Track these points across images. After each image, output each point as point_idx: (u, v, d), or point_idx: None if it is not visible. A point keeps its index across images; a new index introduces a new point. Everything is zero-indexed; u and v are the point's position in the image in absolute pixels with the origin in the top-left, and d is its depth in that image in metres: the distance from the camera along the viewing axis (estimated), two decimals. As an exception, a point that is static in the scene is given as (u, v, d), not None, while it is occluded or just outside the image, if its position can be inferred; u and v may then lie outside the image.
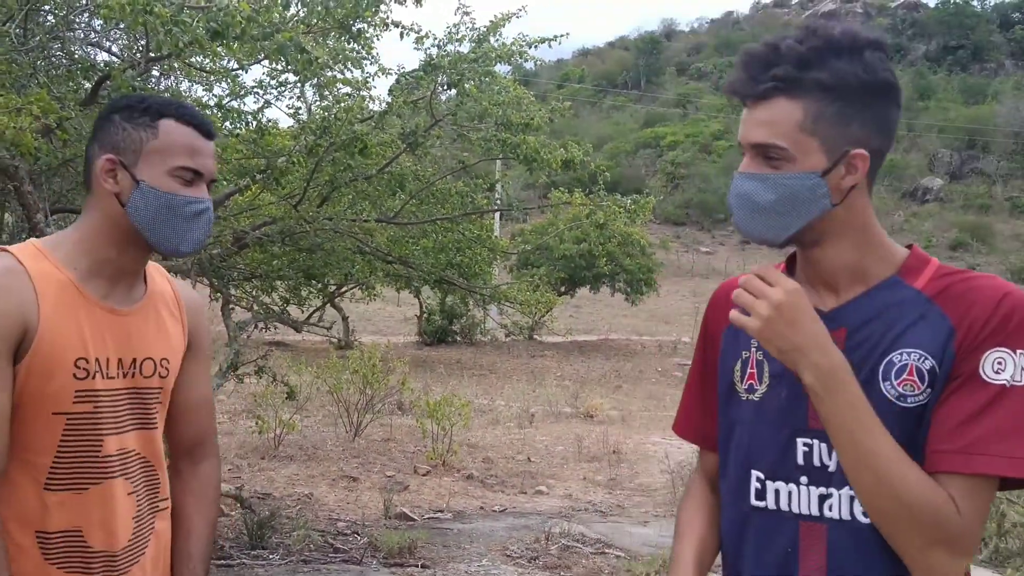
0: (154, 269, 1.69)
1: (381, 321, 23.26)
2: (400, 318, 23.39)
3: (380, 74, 4.53)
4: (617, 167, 59.83)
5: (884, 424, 1.22)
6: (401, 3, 2.88)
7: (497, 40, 4.80)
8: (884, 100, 1.27)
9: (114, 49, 4.52)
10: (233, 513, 5.74)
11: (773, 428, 1.34)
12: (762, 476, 1.35)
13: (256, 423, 7.90)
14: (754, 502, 1.36)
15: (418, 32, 3.42)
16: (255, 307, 5.21)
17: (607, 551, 5.87)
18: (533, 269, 20.31)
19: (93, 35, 4.19)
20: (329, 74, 2.87)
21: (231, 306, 4.95)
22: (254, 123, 3.64)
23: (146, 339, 1.60)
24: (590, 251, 19.15)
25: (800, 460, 1.31)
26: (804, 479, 1.31)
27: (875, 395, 1.25)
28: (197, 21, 2.33)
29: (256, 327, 5.24)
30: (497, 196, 7.03)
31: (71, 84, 3.84)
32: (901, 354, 1.25)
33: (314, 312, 5.83)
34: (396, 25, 3.33)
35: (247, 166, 4.00)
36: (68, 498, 1.50)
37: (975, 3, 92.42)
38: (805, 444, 1.31)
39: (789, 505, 1.32)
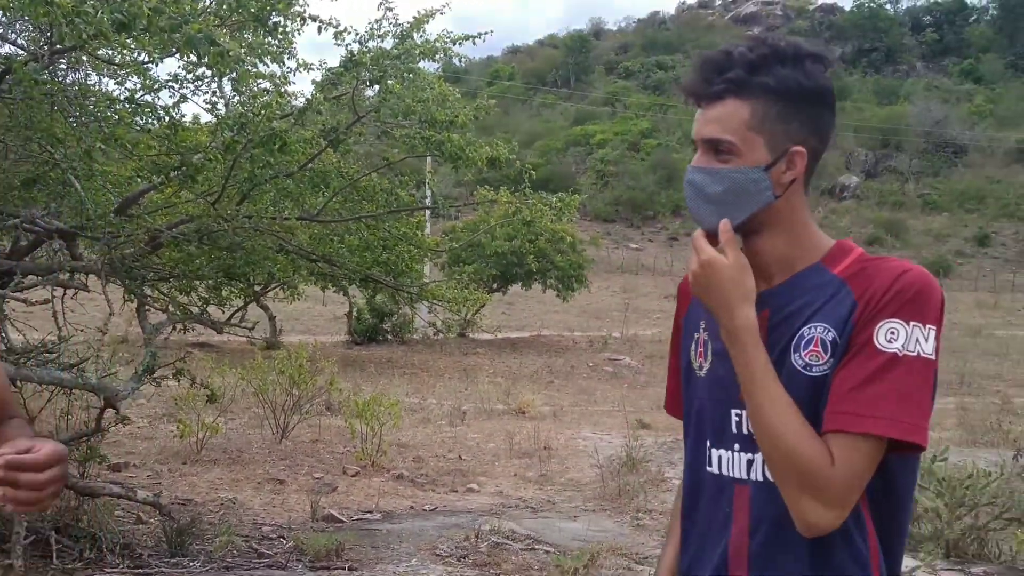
0: None
1: (310, 320, 22.89)
2: (329, 317, 23.06)
3: (302, 69, 4.44)
4: (547, 165, 60.16)
5: (794, 391, 1.35)
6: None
7: (421, 36, 4.75)
8: (820, 105, 1.42)
9: (19, 41, 4.33)
10: (152, 521, 5.56)
11: (715, 401, 1.49)
12: (709, 444, 1.50)
13: (177, 427, 7.68)
14: (707, 468, 1.50)
15: (336, 27, 3.36)
16: (171, 308, 5.05)
17: (537, 547, 5.88)
18: (464, 266, 20.31)
19: (-4, 26, 4.00)
20: (245, 68, 2.78)
21: (147, 307, 4.78)
22: (167, 119, 3.52)
23: None
24: (520, 248, 19.21)
25: (734, 429, 1.45)
26: (737, 446, 1.45)
27: (787, 366, 1.38)
28: (101, 12, 2.23)
29: (174, 329, 5.08)
30: (425, 194, 6.98)
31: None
32: (810, 328, 1.38)
33: (235, 312, 5.68)
34: (314, 19, 3.27)
35: (161, 163, 3.87)
36: None
37: (888, 7, 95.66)
38: (737, 414, 1.45)
39: (728, 470, 1.45)
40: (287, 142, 3.35)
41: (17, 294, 3.98)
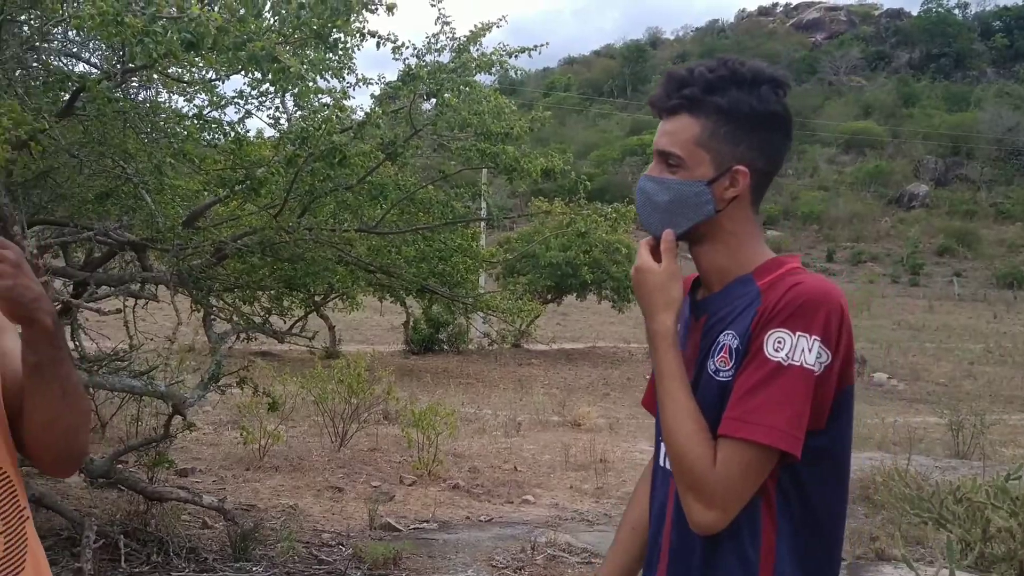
0: None
1: (368, 330, 23.18)
2: (387, 327, 23.32)
3: (361, 84, 4.53)
4: (604, 175, 60.06)
5: (707, 395, 1.45)
6: (373, 11, 2.88)
7: (477, 50, 4.81)
8: (770, 128, 1.49)
9: (93, 60, 4.51)
10: (216, 525, 5.69)
11: None
12: (659, 438, 1.60)
13: (241, 434, 7.86)
14: (658, 462, 1.61)
15: (394, 42, 3.42)
16: (235, 318, 5.18)
17: (594, 561, 5.85)
18: (519, 277, 20.35)
19: (70, 46, 4.18)
20: (306, 84, 2.86)
21: (213, 317, 4.92)
22: (232, 134, 3.63)
23: None
24: (575, 259, 19.16)
25: None
26: None
27: (705, 371, 1.48)
28: (171, 32, 2.32)
29: (238, 338, 5.21)
30: (481, 205, 7.04)
31: (49, 96, 3.81)
32: (724, 335, 1.46)
33: (296, 322, 5.80)
34: (373, 35, 3.34)
35: (226, 177, 3.98)
36: None
37: (957, 12, 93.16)
38: None
39: (667, 463, 1.53)
40: (346, 155, 3.42)
41: (91, 304, 4.13)
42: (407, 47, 4.30)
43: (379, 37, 3.36)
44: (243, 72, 3.17)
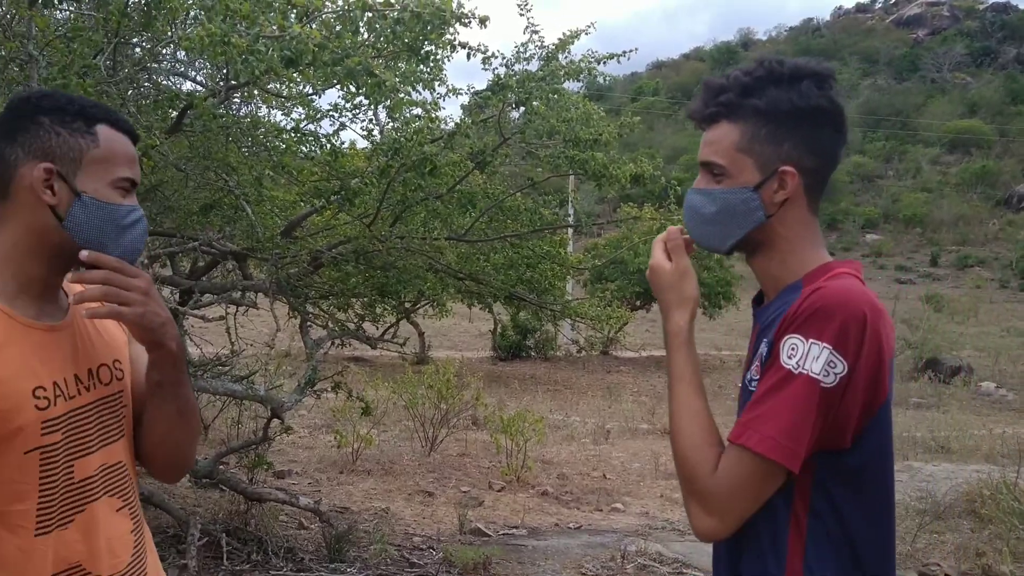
0: None
1: (456, 336, 23.45)
2: (475, 333, 23.54)
3: (451, 95, 4.62)
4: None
5: (743, 405, 1.40)
6: (466, 25, 2.93)
7: (566, 57, 4.83)
8: (815, 124, 1.41)
9: (199, 78, 4.72)
10: (312, 527, 5.85)
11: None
12: None
13: (335, 437, 8.07)
14: None
15: (484, 52, 3.48)
16: (329, 324, 5.33)
17: (685, 571, 5.77)
18: (607, 284, 20.25)
19: (179, 65, 4.39)
20: (400, 97, 2.92)
21: (309, 324, 5.08)
22: (328, 146, 3.74)
23: (92, 346, 1.51)
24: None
25: None
26: None
27: (744, 381, 1.46)
28: (272, 50, 2.41)
29: (332, 344, 5.36)
30: (568, 212, 7.05)
31: (159, 113, 4.01)
32: (763, 344, 1.41)
33: (388, 329, 5.92)
34: (463, 47, 3.39)
35: (322, 188, 4.11)
36: (59, 535, 1.41)
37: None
38: None
39: None
40: (437, 165, 3.48)
41: (195, 311, 4.33)
42: (496, 57, 4.35)
43: (469, 48, 3.42)
44: (339, 86, 3.26)
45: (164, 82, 4.45)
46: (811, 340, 1.28)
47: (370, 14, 2.49)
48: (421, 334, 17.03)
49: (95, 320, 1.51)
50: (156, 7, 3.04)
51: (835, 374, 1.27)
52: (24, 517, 1.37)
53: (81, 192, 1.39)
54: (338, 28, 2.64)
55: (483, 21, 2.67)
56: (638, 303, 21.99)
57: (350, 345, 8.00)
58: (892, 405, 1.38)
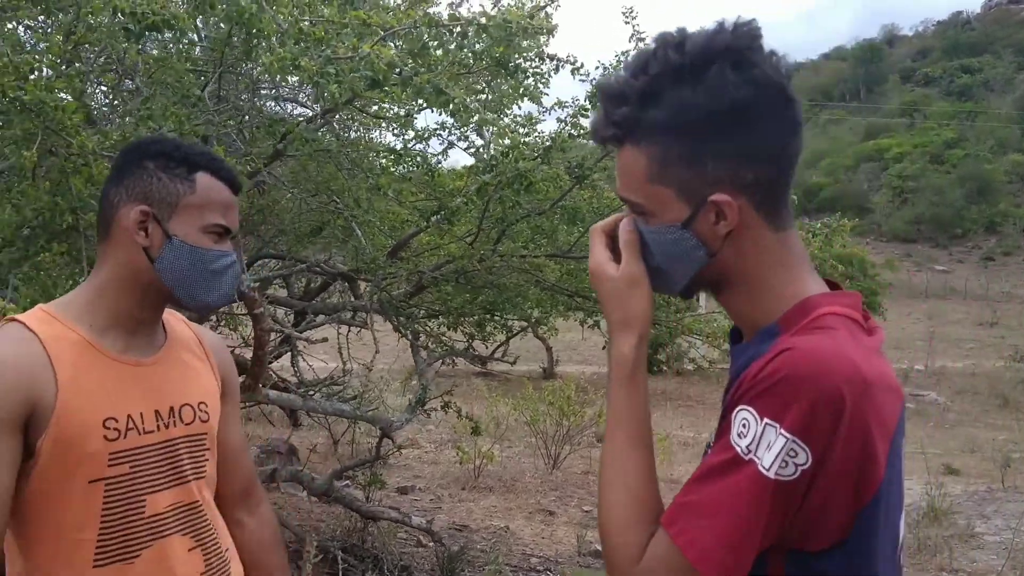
0: (169, 313, 1.62)
1: (586, 350, 23.25)
2: (604, 346, 23.24)
3: (556, 107, 4.53)
4: (836, 183, 56.67)
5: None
6: (552, 35, 2.83)
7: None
8: (740, 124, 1.04)
9: (307, 102, 4.84)
10: (430, 545, 5.86)
11: None
12: None
13: (457, 453, 8.11)
14: None
15: (574, 64, 3.36)
16: (429, 344, 5.33)
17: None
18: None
19: (287, 91, 4.50)
20: (482, 116, 2.85)
21: (419, 343, 5.10)
22: (425, 166, 3.73)
23: (177, 385, 1.53)
24: (831, 273, 18.14)
25: None
26: None
27: (710, 438, 1.15)
28: (345, 72, 2.40)
29: (443, 363, 5.35)
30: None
31: (269, 140, 4.12)
32: (727, 397, 1.09)
33: (498, 347, 5.88)
34: (552, 59, 3.29)
35: (422, 208, 4.12)
36: (119, 570, 1.41)
37: None
38: None
39: None
40: (532, 182, 3.39)
41: (302, 333, 4.42)
42: (598, 68, 4.23)
43: (558, 60, 3.31)
44: (412, 105, 3.24)
45: (274, 107, 4.58)
46: (766, 421, 0.97)
47: (436, 30, 2.44)
48: (549, 349, 16.97)
49: (190, 360, 1.58)
50: (255, 36, 3.10)
51: (795, 464, 0.96)
52: (84, 547, 1.38)
53: (173, 235, 1.45)
54: (425, 45, 2.60)
55: (551, 32, 2.56)
56: (776, 314, 21.14)
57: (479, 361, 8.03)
58: (897, 499, 1.07)
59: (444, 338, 5.38)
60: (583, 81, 3.74)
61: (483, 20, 2.43)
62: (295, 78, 4.36)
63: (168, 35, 2.72)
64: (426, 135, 4.61)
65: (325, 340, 4.45)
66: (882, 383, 1.01)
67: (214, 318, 5.31)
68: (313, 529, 5.33)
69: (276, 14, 2.53)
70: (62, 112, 2.48)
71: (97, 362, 1.42)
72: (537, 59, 3.20)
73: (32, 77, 2.58)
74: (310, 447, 7.53)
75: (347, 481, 6.70)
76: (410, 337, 4.88)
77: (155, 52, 3.81)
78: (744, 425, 0.99)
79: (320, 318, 4.86)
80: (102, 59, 3.60)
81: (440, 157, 4.86)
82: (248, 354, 4.42)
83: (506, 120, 4.36)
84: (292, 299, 5.24)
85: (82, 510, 1.38)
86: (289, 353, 5.45)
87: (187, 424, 1.52)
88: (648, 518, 1.06)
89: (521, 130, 3.72)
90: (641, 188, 1.10)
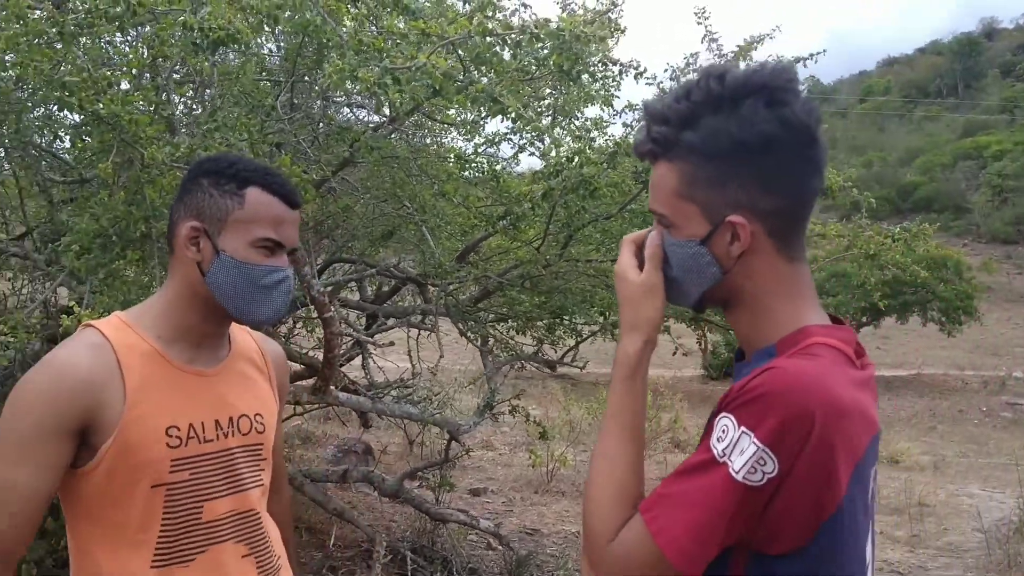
0: (235, 325, 1.64)
1: (666, 353, 22.97)
2: (686, 350, 22.95)
3: (628, 110, 4.49)
4: (932, 182, 54.48)
5: None
6: (614, 39, 2.80)
7: (747, 63, 4.55)
8: (766, 155, 1.15)
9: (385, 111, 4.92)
10: (500, 548, 5.88)
11: None
12: None
13: (530, 456, 8.11)
14: None
15: (636, 68, 3.32)
16: (495, 348, 5.35)
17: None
18: (828, 299, 19.06)
19: (358, 98, 4.59)
20: (536, 123, 2.85)
21: (488, 347, 5.12)
22: (491, 171, 3.74)
23: (237, 397, 1.58)
24: (894, 279, 17.52)
25: None
26: None
27: None
28: (408, 81, 2.42)
29: (514, 366, 5.36)
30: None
31: (341, 147, 4.20)
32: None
33: (568, 351, 5.86)
34: (614, 63, 3.26)
35: (487, 213, 4.13)
36: (174, 572, 1.46)
37: None
38: None
39: None
40: (596, 187, 3.36)
41: (369, 338, 4.49)
42: (667, 70, 4.18)
43: (621, 65, 3.28)
44: (469, 111, 3.25)
45: (347, 114, 4.67)
46: (742, 428, 1.07)
47: (490, 39, 2.44)
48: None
49: (249, 373, 1.63)
50: (324, 47, 3.17)
51: (763, 472, 1.06)
52: (144, 548, 1.44)
53: (221, 250, 1.48)
54: (479, 55, 2.61)
55: (603, 39, 2.53)
56: (864, 319, 20.48)
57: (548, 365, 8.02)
58: (863, 520, 1.14)
59: (513, 342, 5.38)
60: (649, 84, 3.70)
61: (535, 29, 2.43)
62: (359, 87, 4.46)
63: (236, 48, 2.79)
64: (496, 140, 4.64)
65: (392, 344, 4.51)
66: (855, 412, 1.10)
67: (290, 320, 5.45)
68: (384, 529, 5.41)
69: (339, 27, 2.58)
70: (136, 125, 2.58)
71: (164, 372, 1.48)
72: (601, 64, 3.17)
73: (110, 91, 2.70)
74: (381, 448, 7.65)
75: (420, 483, 6.78)
76: (478, 341, 4.90)
77: (235, 60, 3.95)
78: (723, 431, 1.09)
79: (391, 321, 4.94)
80: (181, 71, 3.75)
81: (511, 162, 4.89)
82: (321, 356, 4.52)
83: (576, 123, 4.36)
84: (364, 302, 5.34)
85: (144, 513, 1.43)
86: (360, 356, 5.56)
87: (244, 435, 1.57)
88: (628, 504, 1.17)
89: (591, 134, 3.70)
90: (669, 202, 1.21)
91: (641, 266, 1.28)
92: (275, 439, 1.72)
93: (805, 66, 4.30)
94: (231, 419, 1.55)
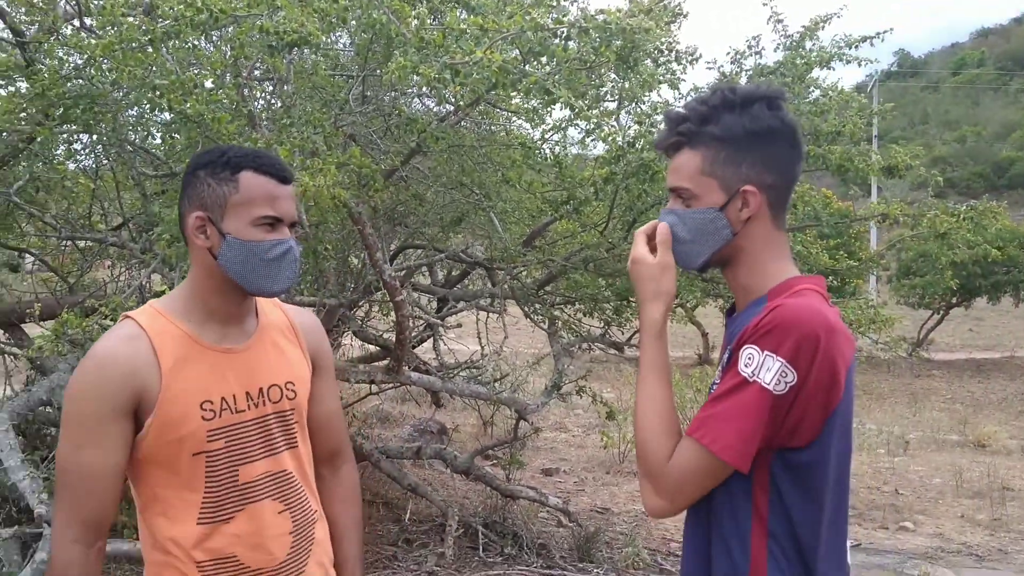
0: (264, 301, 1.80)
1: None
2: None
3: (694, 93, 4.52)
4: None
5: None
6: (675, 25, 2.85)
7: (815, 44, 4.53)
8: (769, 143, 1.55)
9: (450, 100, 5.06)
10: (571, 525, 6.01)
11: None
12: None
13: (602, 438, 8.21)
14: None
15: (692, 55, 3.36)
16: (559, 330, 5.45)
17: (972, 602, 5.14)
18: (915, 279, 18.49)
19: (427, 89, 4.74)
20: (591, 112, 2.94)
21: (556, 329, 5.23)
22: (553, 157, 3.84)
23: (266, 368, 1.72)
24: (985, 257, 16.89)
25: None
26: None
27: (711, 386, 1.57)
28: (466, 75, 2.56)
29: (579, 349, 5.47)
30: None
31: (410, 138, 4.36)
32: (727, 353, 1.54)
33: (635, 333, 5.92)
34: (670, 50, 3.31)
35: (550, 198, 4.24)
36: (216, 528, 1.63)
37: None
38: None
39: None
40: (657, 171, 3.44)
41: (437, 319, 4.65)
42: (729, 53, 4.20)
43: (677, 52, 3.33)
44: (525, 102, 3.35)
45: (418, 105, 4.83)
46: (766, 352, 1.41)
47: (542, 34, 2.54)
48: (704, 335, 16.70)
49: (281, 344, 1.78)
50: (391, 43, 3.33)
51: (786, 383, 1.40)
52: (191, 507, 1.63)
53: (226, 233, 1.62)
54: (531, 49, 2.72)
55: (647, 30, 2.60)
56: (954, 300, 19.77)
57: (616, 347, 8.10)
58: (849, 414, 1.51)
59: (580, 324, 5.48)
60: (710, 69, 3.73)
61: (584, 23, 2.52)
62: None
63: (309, 48, 2.97)
64: (563, 126, 4.73)
65: (460, 326, 4.68)
66: (842, 331, 1.46)
67: (366, 305, 5.68)
68: (457, 504, 5.60)
69: (403, 25, 2.72)
70: (219, 123, 2.79)
71: (196, 352, 1.64)
72: (658, 51, 3.23)
73: (195, 92, 2.92)
74: (453, 427, 7.84)
75: (493, 461, 6.97)
76: (544, 323, 5.02)
77: (309, 57, 4.14)
78: (749, 358, 1.43)
79: (460, 304, 5.10)
80: (260, 68, 3.96)
81: (581, 147, 4.98)
82: (394, 338, 4.71)
83: (642, 108, 4.42)
84: (435, 287, 5.53)
85: (189, 477, 1.62)
86: (432, 339, 5.76)
87: (275, 403, 1.72)
88: (673, 433, 1.51)
89: (653, 118, 3.76)
90: (693, 179, 1.56)
91: (654, 252, 1.62)
92: (326, 407, 1.88)
93: (872, 45, 4.27)
94: (261, 389, 1.70)
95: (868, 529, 7.04)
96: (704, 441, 1.43)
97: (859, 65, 4.57)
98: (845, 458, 1.53)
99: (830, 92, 4.52)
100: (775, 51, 4.64)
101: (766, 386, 1.40)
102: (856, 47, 4.34)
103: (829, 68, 4.48)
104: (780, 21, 4.59)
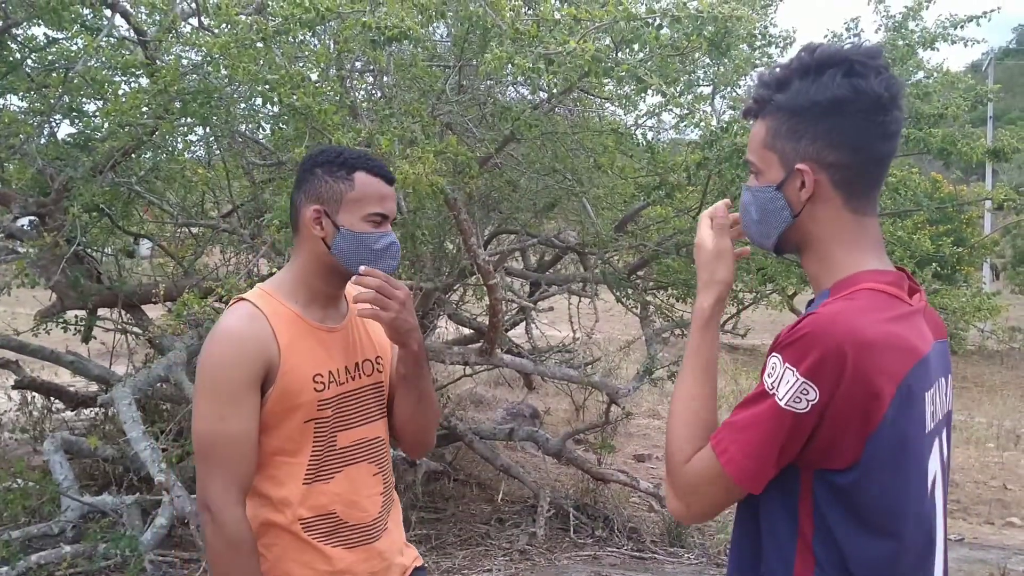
0: (347, 286, 1.94)
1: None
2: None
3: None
4: None
5: None
6: (771, 6, 2.84)
7: (919, 25, 4.41)
8: (836, 115, 1.33)
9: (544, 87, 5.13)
10: (660, 511, 6.04)
11: None
12: None
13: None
14: None
15: (786, 39, 3.32)
16: (651, 315, 5.45)
17: (1083, 602, 4.94)
18: (1029, 267, 17.60)
19: (520, 79, 4.82)
20: (680, 99, 2.96)
21: (649, 314, 5.26)
22: (645, 143, 3.87)
23: (359, 345, 1.91)
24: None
25: None
26: None
27: None
28: (559, 65, 2.63)
29: (672, 335, 5.48)
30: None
31: (505, 125, 4.46)
32: None
33: (730, 318, 5.87)
34: (763, 36, 3.28)
35: (643, 183, 4.26)
36: (319, 487, 1.81)
37: None
38: None
39: None
40: (748, 156, 3.43)
41: (529, 303, 4.74)
42: (827, 35, 4.13)
43: (769, 37, 3.31)
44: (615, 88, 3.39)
45: (513, 93, 4.92)
46: (787, 365, 1.26)
47: (634, 23, 2.57)
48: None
49: (367, 324, 1.96)
50: (487, 34, 3.43)
51: (807, 400, 1.24)
52: (298, 468, 1.81)
53: (340, 226, 1.80)
54: (624, 38, 2.77)
55: (739, 18, 2.59)
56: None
57: (726, 331, 7.99)
58: (917, 434, 1.30)
59: (672, 310, 5.48)
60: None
61: (676, 12, 2.55)
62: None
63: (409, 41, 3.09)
64: (656, 111, 4.75)
65: (551, 310, 4.75)
66: (883, 343, 1.26)
67: (460, 288, 5.82)
68: (548, 486, 5.70)
69: (498, 17, 2.81)
70: (324, 114, 2.95)
71: (305, 330, 1.82)
72: (751, 36, 3.21)
73: (303, 86, 3.08)
74: (544, 410, 7.93)
75: (585, 446, 7.04)
76: (636, 308, 5.05)
77: (408, 49, 4.28)
78: (773, 367, 1.28)
79: (552, 289, 5.18)
80: (363, 60, 4.13)
81: (672, 132, 4.98)
82: (487, 321, 4.83)
83: (738, 92, 4.40)
84: (528, 271, 5.62)
85: (298, 442, 1.79)
86: (524, 322, 5.86)
87: (368, 376, 1.91)
88: (704, 433, 1.38)
89: (738, 106, 3.75)
90: (758, 152, 1.42)
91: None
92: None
93: (979, 24, 4.12)
94: (357, 364, 1.89)
95: (973, 524, 6.82)
96: (717, 450, 1.32)
97: (965, 45, 4.42)
98: (918, 487, 1.32)
99: (934, 73, 4.40)
100: (876, 32, 4.54)
101: (779, 402, 1.25)
102: (962, 27, 4.20)
103: (934, 49, 4.35)
104: (882, 2, 4.48)
